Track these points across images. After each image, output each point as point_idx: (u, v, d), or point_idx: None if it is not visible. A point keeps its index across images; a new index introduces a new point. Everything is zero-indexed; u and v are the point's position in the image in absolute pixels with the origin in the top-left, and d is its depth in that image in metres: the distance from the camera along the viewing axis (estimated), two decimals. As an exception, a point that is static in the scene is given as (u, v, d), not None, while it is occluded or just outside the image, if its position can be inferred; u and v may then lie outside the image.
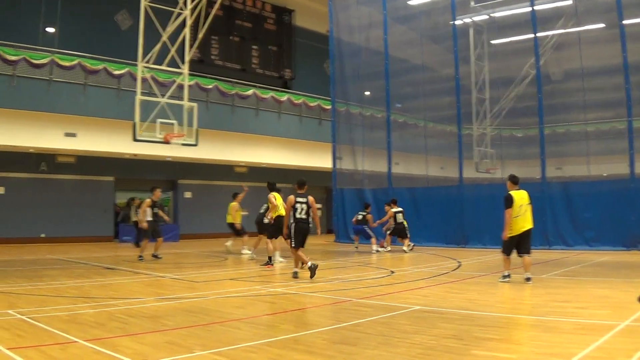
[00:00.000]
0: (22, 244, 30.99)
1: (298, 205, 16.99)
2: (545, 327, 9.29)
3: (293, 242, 17.06)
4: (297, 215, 16.98)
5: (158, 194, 23.44)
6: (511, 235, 14.92)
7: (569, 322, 9.70)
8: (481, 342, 8.27)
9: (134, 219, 30.54)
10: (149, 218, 22.63)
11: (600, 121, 32.95)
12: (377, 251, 26.49)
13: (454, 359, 7.47)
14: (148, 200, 22.71)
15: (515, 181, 15.48)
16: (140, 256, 22.19)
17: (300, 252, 17.00)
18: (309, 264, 16.34)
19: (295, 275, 16.73)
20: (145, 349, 8.00)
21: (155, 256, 22.57)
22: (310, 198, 17.23)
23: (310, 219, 17.11)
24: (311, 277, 16.06)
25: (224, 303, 12.58)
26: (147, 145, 27.31)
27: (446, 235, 29.05)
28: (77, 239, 33.73)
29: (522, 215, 14.86)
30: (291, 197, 17.08)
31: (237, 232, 25.78)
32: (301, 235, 17.03)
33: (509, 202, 14.88)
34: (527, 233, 14.94)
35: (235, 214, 25.63)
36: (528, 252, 14.97)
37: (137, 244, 27.89)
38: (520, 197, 15.04)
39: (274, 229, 20.48)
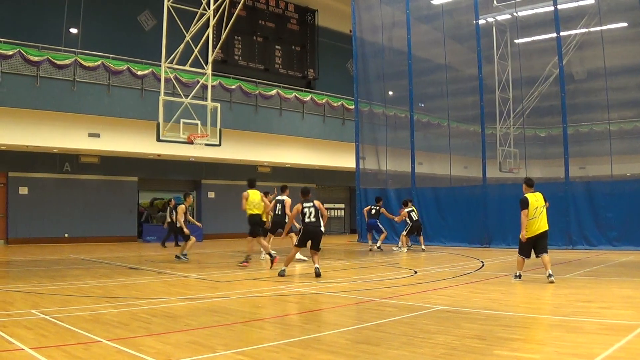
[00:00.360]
0: (46, 244, 31.13)
1: (306, 210, 17.41)
2: (568, 327, 9.25)
3: (296, 242, 17.69)
4: (306, 220, 17.33)
5: (190, 199, 23.51)
6: (528, 236, 14.96)
7: (592, 322, 9.66)
8: (504, 342, 8.24)
9: (167, 219, 30.69)
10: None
11: (623, 120, 32.78)
12: (393, 250, 26.51)
13: (477, 359, 7.46)
14: (183, 206, 22.72)
15: (530, 184, 15.57)
16: (183, 254, 22.21)
17: (296, 252, 17.99)
18: (283, 268, 17.41)
19: (281, 274, 17.19)
20: (168, 348, 8.03)
21: (179, 257, 22.62)
22: (317, 202, 17.74)
23: (320, 222, 17.52)
24: (279, 274, 17.10)
25: (247, 303, 12.60)
26: (170, 146, 27.42)
27: (469, 235, 28.96)
28: (101, 239, 33.86)
29: (537, 217, 14.92)
30: (298, 205, 17.58)
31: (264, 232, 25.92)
32: (308, 237, 17.38)
33: (524, 204, 15.07)
34: (544, 234, 15.01)
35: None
36: (546, 251, 15.00)
37: (163, 244, 28.10)
38: (536, 199, 15.11)
39: (250, 228, 21.12)
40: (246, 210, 20.70)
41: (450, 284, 15.20)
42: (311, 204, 17.54)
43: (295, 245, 17.71)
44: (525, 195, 15.23)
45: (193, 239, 22.36)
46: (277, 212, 22.56)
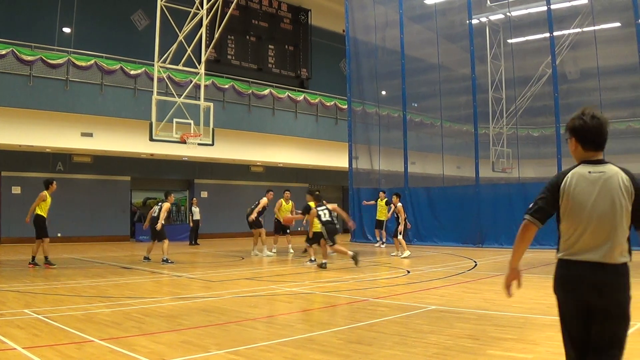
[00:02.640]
0: (39, 244, 31.13)
1: (321, 212, 19.85)
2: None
3: (328, 239, 19.69)
4: (323, 219, 19.73)
5: (172, 199, 23.45)
6: None
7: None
8: (497, 342, 8.26)
9: (196, 217, 31.17)
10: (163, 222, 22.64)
11: (617, 120, 32.84)
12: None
13: (470, 359, 7.47)
14: (168, 205, 22.58)
15: None
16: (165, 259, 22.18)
17: (320, 247, 20.18)
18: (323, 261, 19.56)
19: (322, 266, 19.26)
20: (161, 348, 8.03)
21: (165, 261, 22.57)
22: (331, 205, 20.56)
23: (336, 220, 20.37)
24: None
25: (240, 302, 12.60)
26: (163, 145, 27.43)
27: (462, 234, 28.96)
28: (94, 239, 33.85)
29: None
30: (314, 210, 20.04)
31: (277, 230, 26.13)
32: (331, 234, 19.67)
33: None
34: None
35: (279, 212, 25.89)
36: None
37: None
38: None
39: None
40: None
41: (443, 283, 15.21)
42: (324, 207, 20.22)
43: (329, 245, 19.72)
44: None
45: (167, 240, 22.23)
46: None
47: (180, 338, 8.65)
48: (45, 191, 19.92)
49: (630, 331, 8.51)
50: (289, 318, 10.99)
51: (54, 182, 20.51)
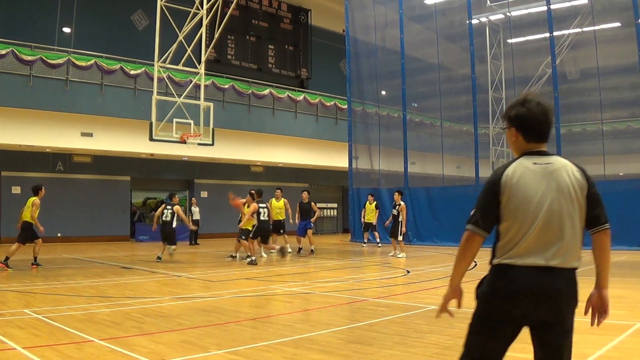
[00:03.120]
0: (39, 244, 31.14)
1: (261, 210, 21.58)
2: (561, 327, 9.25)
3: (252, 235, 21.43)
4: (261, 217, 21.51)
5: (177, 199, 23.51)
6: None
7: (584, 321, 9.66)
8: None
9: (195, 216, 31.23)
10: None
11: (617, 120, 32.86)
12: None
13: (470, 359, 7.46)
14: (178, 207, 22.69)
15: None
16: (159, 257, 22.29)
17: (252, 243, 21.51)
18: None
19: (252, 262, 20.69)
20: (161, 348, 8.03)
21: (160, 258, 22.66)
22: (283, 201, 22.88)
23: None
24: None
25: (240, 302, 12.61)
26: (163, 145, 27.43)
27: (462, 235, 28.91)
28: (93, 239, 33.82)
29: None
30: (255, 205, 21.40)
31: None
32: (265, 232, 21.74)
33: None
34: None
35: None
36: None
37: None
38: None
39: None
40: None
41: (443, 283, 15.18)
42: (265, 205, 21.71)
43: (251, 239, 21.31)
44: None
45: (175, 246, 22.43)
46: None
47: (180, 338, 8.65)
48: (36, 197, 20.03)
49: (630, 331, 8.54)
50: (288, 318, 10.99)
51: (43, 187, 20.75)
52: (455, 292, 4.60)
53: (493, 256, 4.21)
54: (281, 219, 24.97)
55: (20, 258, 21.83)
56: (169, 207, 22.47)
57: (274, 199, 24.97)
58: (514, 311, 4.02)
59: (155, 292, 14.29)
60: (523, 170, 4.10)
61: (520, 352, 7.84)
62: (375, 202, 29.09)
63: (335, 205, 48.44)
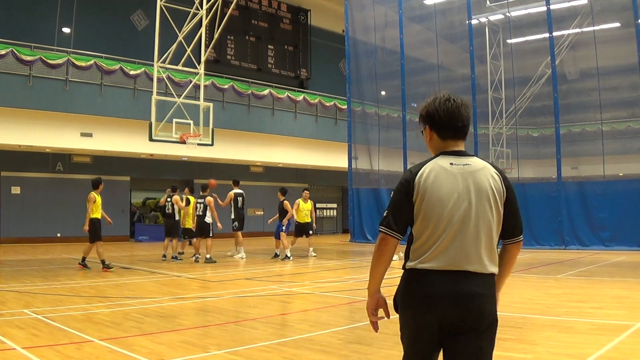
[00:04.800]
0: (38, 244, 31.08)
1: (198, 204, 22.62)
2: (560, 327, 9.27)
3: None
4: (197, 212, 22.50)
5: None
6: None
7: (584, 322, 9.69)
8: (497, 342, 8.21)
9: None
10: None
11: (616, 120, 32.90)
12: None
13: (469, 359, 7.46)
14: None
15: None
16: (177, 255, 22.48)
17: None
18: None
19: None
20: (160, 348, 8.03)
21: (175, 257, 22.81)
22: (208, 198, 22.60)
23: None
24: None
25: (239, 303, 12.61)
26: (163, 145, 27.41)
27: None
28: (93, 239, 33.84)
29: None
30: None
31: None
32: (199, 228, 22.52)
33: None
34: None
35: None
36: None
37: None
38: None
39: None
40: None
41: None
42: (202, 200, 22.26)
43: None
44: None
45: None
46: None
47: (180, 338, 8.65)
48: (94, 192, 19.55)
49: (629, 331, 8.55)
50: (288, 318, 11.00)
51: (102, 182, 20.33)
52: (375, 299, 4.17)
53: (406, 259, 3.99)
54: (308, 221, 24.44)
55: (18, 259, 21.85)
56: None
57: (301, 200, 24.56)
58: (432, 317, 3.80)
59: (155, 292, 14.29)
60: (438, 170, 3.92)
61: (520, 352, 7.88)
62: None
63: (334, 205, 48.43)
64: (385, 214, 3.98)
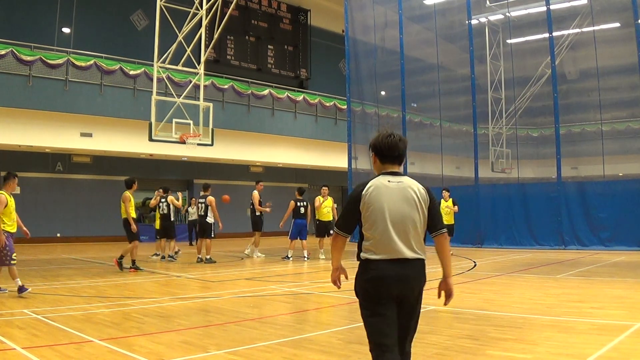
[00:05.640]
0: (38, 244, 31.03)
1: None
2: (560, 327, 9.27)
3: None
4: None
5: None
6: None
7: (584, 322, 9.69)
8: (496, 342, 8.27)
9: (193, 217, 31.13)
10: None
11: (616, 120, 32.93)
12: None
13: (469, 359, 7.47)
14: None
15: None
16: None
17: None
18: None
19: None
20: (160, 348, 8.04)
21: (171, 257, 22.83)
22: (209, 198, 22.71)
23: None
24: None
25: (239, 303, 12.60)
26: (163, 145, 27.38)
27: (461, 235, 28.79)
28: (93, 239, 33.82)
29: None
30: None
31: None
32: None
33: None
34: None
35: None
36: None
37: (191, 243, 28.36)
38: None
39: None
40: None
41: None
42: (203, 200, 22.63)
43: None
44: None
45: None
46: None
47: (180, 338, 8.65)
48: (128, 191, 19.47)
49: (629, 331, 8.56)
50: (288, 318, 10.99)
51: (136, 181, 20.28)
52: (337, 271, 6.02)
53: (360, 251, 5.58)
54: (330, 219, 24.11)
55: (18, 259, 21.87)
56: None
57: (320, 197, 24.28)
58: (383, 292, 5.30)
59: (155, 292, 14.30)
60: (379, 186, 5.40)
61: (520, 352, 7.88)
62: (451, 199, 25.05)
63: (335, 205, 48.41)
64: (338, 219, 5.64)
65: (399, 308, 5.40)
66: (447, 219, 23.80)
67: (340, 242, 5.80)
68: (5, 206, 14.16)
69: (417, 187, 5.49)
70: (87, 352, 7.74)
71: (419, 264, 5.44)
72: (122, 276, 17.45)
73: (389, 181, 5.45)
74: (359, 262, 5.62)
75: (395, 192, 5.40)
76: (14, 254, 13.07)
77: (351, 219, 5.53)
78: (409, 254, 5.34)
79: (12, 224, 14.04)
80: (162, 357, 7.55)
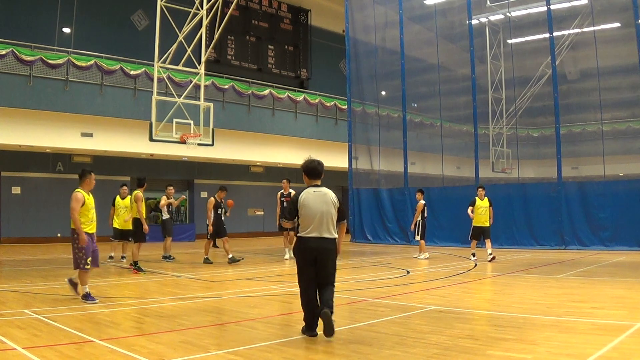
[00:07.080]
0: (38, 244, 31.06)
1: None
2: (561, 327, 9.28)
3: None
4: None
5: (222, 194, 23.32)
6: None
7: (584, 322, 9.70)
8: (497, 342, 8.27)
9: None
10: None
11: (616, 120, 32.93)
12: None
13: (470, 359, 7.47)
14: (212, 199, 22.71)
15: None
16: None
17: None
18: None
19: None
20: (160, 348, 8.04)
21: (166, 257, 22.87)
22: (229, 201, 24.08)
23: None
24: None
25: (240, 303, 12.60)
26: (163, 145, 27.39)
27: (462, 235, 28.77)
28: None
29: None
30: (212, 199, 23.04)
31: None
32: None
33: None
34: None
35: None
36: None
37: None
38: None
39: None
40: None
41: (443, 284, 15.21)
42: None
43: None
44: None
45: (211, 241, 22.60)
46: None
47: (180, 338, 8.65)
48: (140, 190, 19.52)
49: (630, 331, 8.57)
50: (288, 318, 10.99)
51: (146, 181, 20.17)
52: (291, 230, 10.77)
53: (297, 232, 9.07)
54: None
55: (18, 259, 21.85)
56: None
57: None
58: (308, 256, 8.87)
59: (155, 292, 14.30)
60: (308, 194, 9.01)
61: (520, 352, 7.88)
62: (487, 198, 23.20)
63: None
64: (286, 212, 9.27)
65: (318, 265, 8.85)
66: (483, 220, 22.56)
67: (288, 225, 9.51)
68: (83, 204, 13.87)
69: (331, 194, 9.11)
70: (87, 352, 7.75)
71: (333, 240, 9.03)
72: (122, 276, 17.48)
73: (314, 191, 9.06)
74: (296, 238, 9.14)
75: (318, 197, 8.99)
76: (89, 259, 12.88)
77: (293, 213, 9.08)
78: (327, 234, 8.93)
79: (90, 224, 13.81)
80: (162, 357, 7.55)
